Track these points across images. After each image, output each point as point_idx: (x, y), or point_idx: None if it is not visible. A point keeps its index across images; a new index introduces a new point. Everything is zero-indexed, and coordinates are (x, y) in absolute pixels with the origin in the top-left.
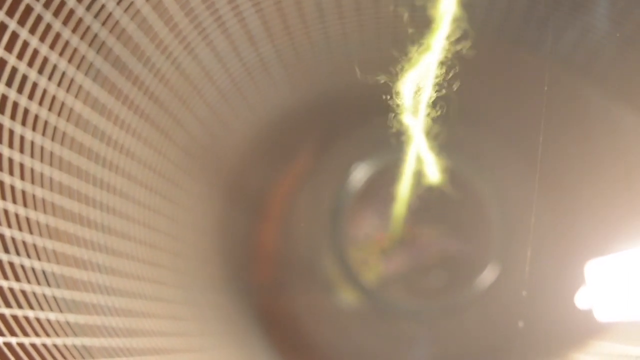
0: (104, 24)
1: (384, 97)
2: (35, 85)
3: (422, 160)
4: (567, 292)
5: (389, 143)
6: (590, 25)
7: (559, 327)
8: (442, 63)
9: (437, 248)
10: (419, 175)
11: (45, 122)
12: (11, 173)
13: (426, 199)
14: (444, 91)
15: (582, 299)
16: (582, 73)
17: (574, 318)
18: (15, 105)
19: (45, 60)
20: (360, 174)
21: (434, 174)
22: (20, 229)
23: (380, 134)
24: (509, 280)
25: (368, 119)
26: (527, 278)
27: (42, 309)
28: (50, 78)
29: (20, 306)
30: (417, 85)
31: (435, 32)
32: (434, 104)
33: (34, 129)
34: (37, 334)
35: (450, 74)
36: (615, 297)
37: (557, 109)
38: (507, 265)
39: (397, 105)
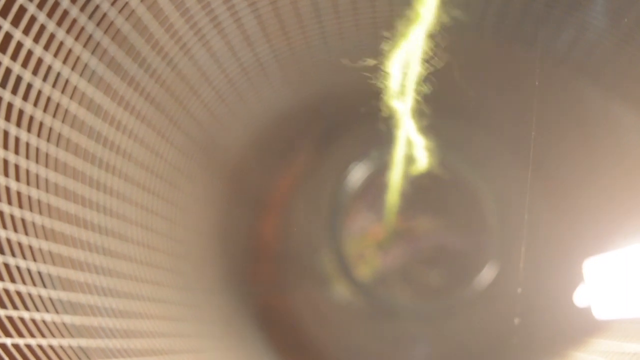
0: (98, 24)
1: (373, 80)
2: (30, 86)
3: (412, 145)
4: (565, 290)
5: (387, 141)
6: (586, 23)
7: (557, 325)
8: (431, 36)
9: (436, 247)
10: (410, 160)
11: (41, 124)
12: (6, 174)
13: (424, 198)
14: (432, 68)
15: (581, 297)
16: (579, 70)
17: (573, 316)
18: (10, 106)
19: (40, 61)
20: (358, 173)
21: (424, 157)
22: (15, 230)
23: (378, 131)
24: (507, 279)
25: (366, 117)
26: (522, 275)
27: (37, 310)
28: (45, 79)
29: (15, 307)
30: (406, 61)
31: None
32: (423, 81)
33: (29, 130)
34: (32, 335)
35: (439, 48)
36: (613, 295)
37: (555, 108)
38: (505, 264)
39: (387, 87)
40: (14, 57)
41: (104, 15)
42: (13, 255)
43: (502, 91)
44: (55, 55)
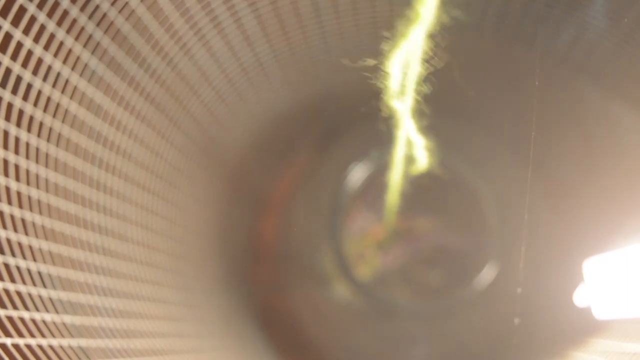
0: (98, 24)
1: (373, 80)
2: (30, 86)
3: (412, 145)
4: (565, 290)
5: (387, 141)
6: (586, 23)
7: (557, 325)
8: (431, 36)
9: (436, 247)
10: (410, 160)
11: (41, 124)
12: (6, 174)
13: (424, 198)
14: (432, 68)
15: (581, 297)
16: (579, 70)
17: (573, 316)
18: (10, 106)
19: (40, 61)
20: (358, 173)
21: (424, 157)
22: (15, 230)
23: (378, 131)
24: (507, 279)
25: (366, 117)
26: (522, 275)
27: (37, 310)
28: (45, 79)
29: (15, 307)
30: (406, 61)
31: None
32: (423, 81)
33: (29, 130)
34: (32, 335)
35: (438, 48)
36: (613, 295)
37: (555, 108)
38: (505, 264)
39: (387, 87)
40: (14, 57)
41: (104, 15)
42: (13, 255)
43: (502, 91)
44: (55, 55)
